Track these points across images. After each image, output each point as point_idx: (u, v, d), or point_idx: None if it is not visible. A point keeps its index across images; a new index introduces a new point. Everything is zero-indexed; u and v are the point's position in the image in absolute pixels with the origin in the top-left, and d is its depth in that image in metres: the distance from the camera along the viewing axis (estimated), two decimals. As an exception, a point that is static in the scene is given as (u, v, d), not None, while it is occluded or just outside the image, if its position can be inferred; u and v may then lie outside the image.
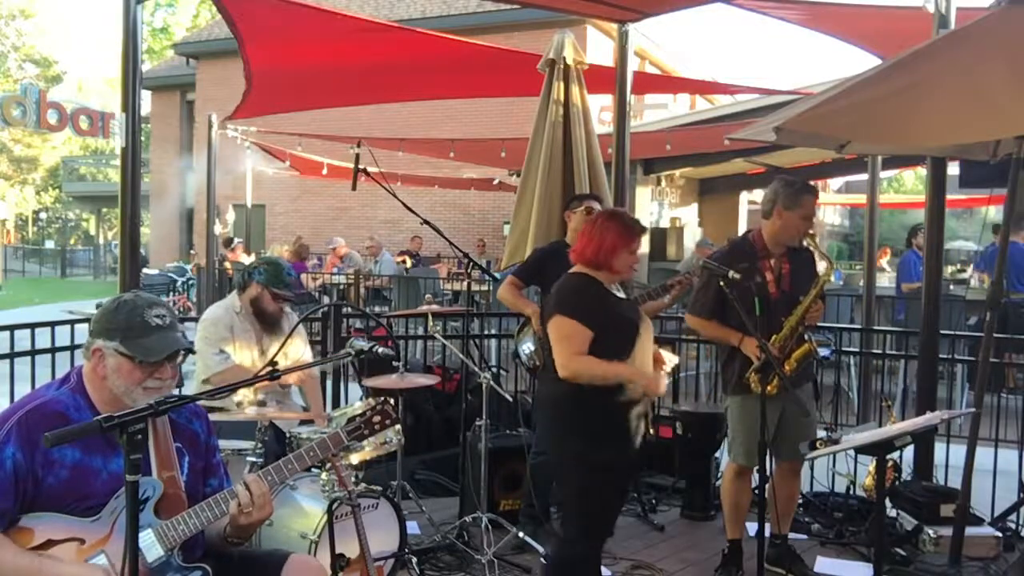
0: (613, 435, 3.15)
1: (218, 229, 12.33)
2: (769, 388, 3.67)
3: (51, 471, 2.18)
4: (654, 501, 5.02)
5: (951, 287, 9.84)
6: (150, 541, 2.18)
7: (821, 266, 3.98)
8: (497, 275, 7.52)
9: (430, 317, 4.94)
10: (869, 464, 4.73)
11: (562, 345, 3.11)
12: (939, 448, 4.78)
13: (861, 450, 3.42)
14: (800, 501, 4.69)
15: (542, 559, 3.99)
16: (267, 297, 4.02)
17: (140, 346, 2.24)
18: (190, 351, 2.39)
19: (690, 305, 4.06)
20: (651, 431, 4.87)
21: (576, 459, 3.19)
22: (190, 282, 15.71)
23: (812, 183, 4.04)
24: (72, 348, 4.59)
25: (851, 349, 6.12)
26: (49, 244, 38.21)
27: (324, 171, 12.11)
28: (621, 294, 3.35)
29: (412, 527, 4.26)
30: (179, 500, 2.30)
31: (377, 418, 2.57)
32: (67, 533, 2.17)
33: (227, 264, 12.95)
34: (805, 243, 3.89)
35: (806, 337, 3.81)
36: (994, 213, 4.48)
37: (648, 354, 3.31)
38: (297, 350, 4.25)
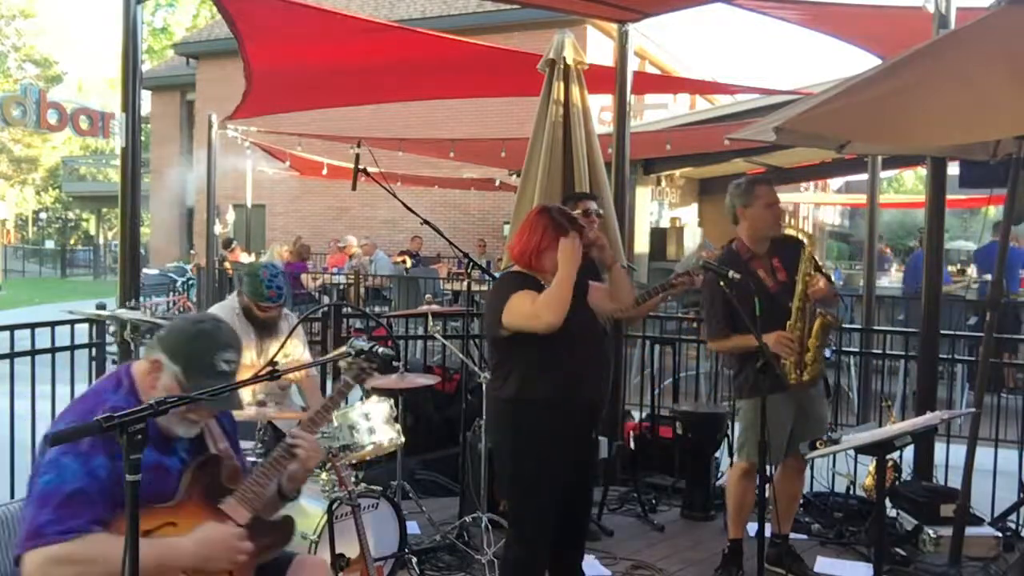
0: (548, 443, 3.11)
1: (218, 229, 12.33)
2: (806, 374, 3.77)
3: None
4: (654, 501, 5.02)
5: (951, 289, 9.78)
6: (233, 507, 2.29)
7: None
8: (497, 275, 7.51)
9: (430, 317, 4.94)
10: (869, 464, 4.74)
11: (522, 315, 3.04)
12: (939, 448, 4.78)
13: (861, 450, 3.42)
14: (800, 501, 4.69)
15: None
16: (255, 309, 4.02)
17: (199, 387, 2.19)
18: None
19: (706, 332, 4.07)
20: (612, 439, 4.89)
21: (508, 464, 3.21)
22: (190, 282, 15.70)
23: (766, 178, 4.05)
24: (72, 348, 4.58)
25: (851, 349, 6.11)
26: (49, 244, 38.18)
27: (324, 171, 12.11)
28: None
29: (412, 527, 4.26)
30: (237, 470, 2.40)
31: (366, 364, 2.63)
32: (159, 520, 2.19)
33: (227, 264, 12.95)
34: (784, 230, 3.89)
35: (818, 311, 3.79)
36: (994, 213, 4.47)
37: (596, 357, 3.31)
38: (296, 352, 4.25)
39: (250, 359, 4.04)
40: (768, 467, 3.59)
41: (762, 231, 3.87)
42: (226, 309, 4.11)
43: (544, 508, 3.16)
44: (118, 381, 2.33)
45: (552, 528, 3.20)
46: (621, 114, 5.46)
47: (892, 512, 4.54)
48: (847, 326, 7.20)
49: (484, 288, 10.84)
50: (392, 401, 3.93)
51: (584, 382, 3.21)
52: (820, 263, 3.94)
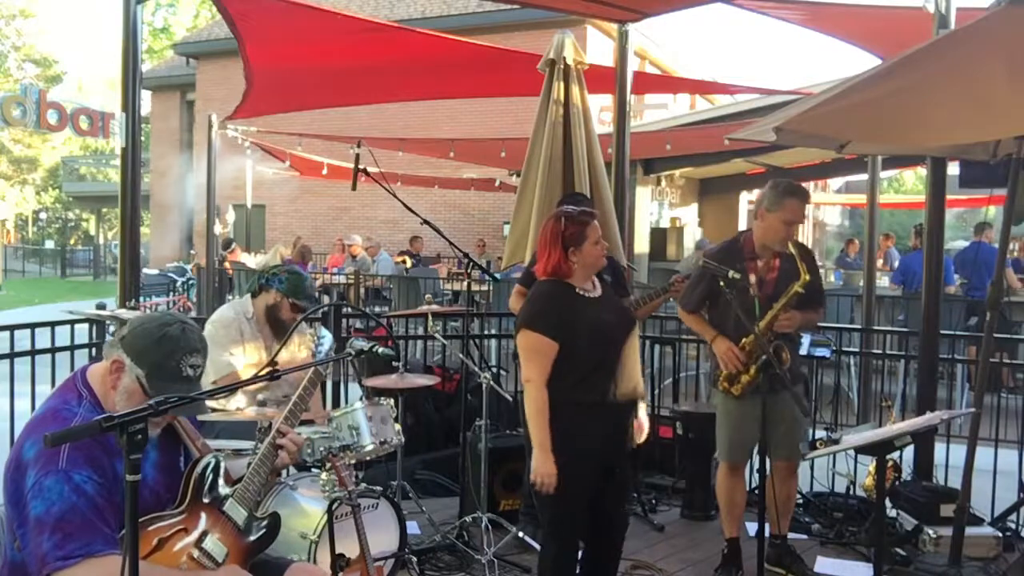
0: (578, 443, 3.11)
1: (218, 229, 12.31)
2: (734, 389, 3.79)
3: (119, 486, 2.13)
4: (654, 501, 5.02)
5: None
6: (232, 507, 2.35)
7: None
8: (497, 275, 7.53)
9: (430, 317, 4.94)
10: (869, 464, 4.74)
11: (530, 361, 3.12)
12: (939, 448, 4.78)
13: (861, 450, 3.43)
14: (800, 501, 4.69)
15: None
16: (285, 306, 4.00)
17: (162, 391, 2.14)
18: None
19: (681, 298, 4.08)
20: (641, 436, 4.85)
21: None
22: (190, 282, 15.70)
23: (802, 184, 3.87)
24: (72, 348, 4.58)
25: (851, 349, 6.11)
26: (49, 244, 38.18)
27: (324, 171, 12.11)
28: (597, 292, 3.27)
29: (412, 527, 4.26)
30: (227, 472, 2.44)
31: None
32: (171, 528, 2.21)
33: (227, 264, 12.94)
34: (790, 249, 3.74)
35: (771, 350, 3.56)
36: (994, 213, 4.48)
37: (632, 354, 3.30)
38: (302, 356, 4.24)
39: (259, 362, 4.02)
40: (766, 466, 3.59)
41: (769, 241, 3.82)
42: (236, 311, 4.08)
43: (573, 505, 3.18)
44: (78, 394, 2.25)
45: (582, 526, 3.22)
46: (621, 114, 5.46)
47: (892, 512, 4.54)
48: (847, 326, 7.21)
49: (484, 288, 10.86)
50: (392, 401, 3.92)
51: (616, 383, 3.20)
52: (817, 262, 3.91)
